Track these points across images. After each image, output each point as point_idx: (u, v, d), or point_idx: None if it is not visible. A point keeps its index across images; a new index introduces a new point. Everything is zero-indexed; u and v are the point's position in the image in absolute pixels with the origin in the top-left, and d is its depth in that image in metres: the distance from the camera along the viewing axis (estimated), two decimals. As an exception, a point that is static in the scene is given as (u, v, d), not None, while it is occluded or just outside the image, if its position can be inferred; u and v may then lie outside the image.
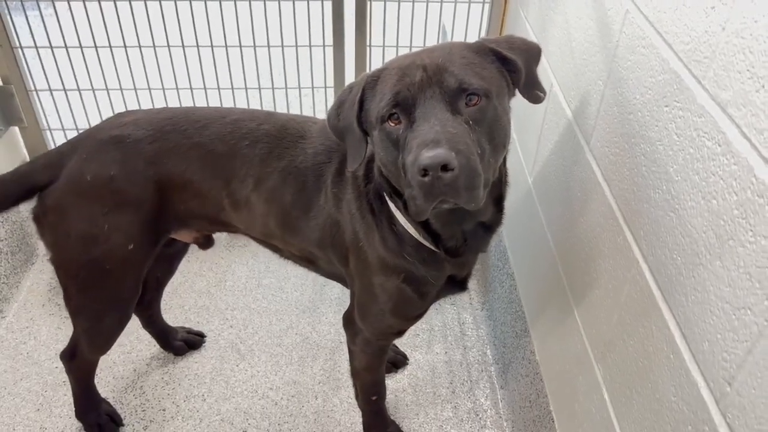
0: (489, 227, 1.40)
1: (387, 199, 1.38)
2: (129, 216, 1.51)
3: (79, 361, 1.81)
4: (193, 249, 2.57)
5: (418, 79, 1.14)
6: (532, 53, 1.28)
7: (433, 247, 1.37)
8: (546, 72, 1.72)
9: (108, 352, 1.93)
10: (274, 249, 1.71)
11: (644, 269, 1.13)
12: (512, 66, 1.23)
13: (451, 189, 1.06)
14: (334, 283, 2.49)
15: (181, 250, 1.97)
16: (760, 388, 0.80)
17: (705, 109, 0.95)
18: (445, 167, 1.03)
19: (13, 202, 1.54)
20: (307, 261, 1.69)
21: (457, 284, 1.54)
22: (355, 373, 1.83)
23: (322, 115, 1.71)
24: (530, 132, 1.90)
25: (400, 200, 1.33)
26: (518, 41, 1.28)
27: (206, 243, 1.83)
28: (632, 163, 1.19)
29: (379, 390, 1.85)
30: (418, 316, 1.60)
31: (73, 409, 1.95)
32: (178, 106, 2.01)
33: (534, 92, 1.26)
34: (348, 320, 1.70)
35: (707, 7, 0.95)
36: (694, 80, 0.98)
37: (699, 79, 0.97)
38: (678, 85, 1.03)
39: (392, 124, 1.17)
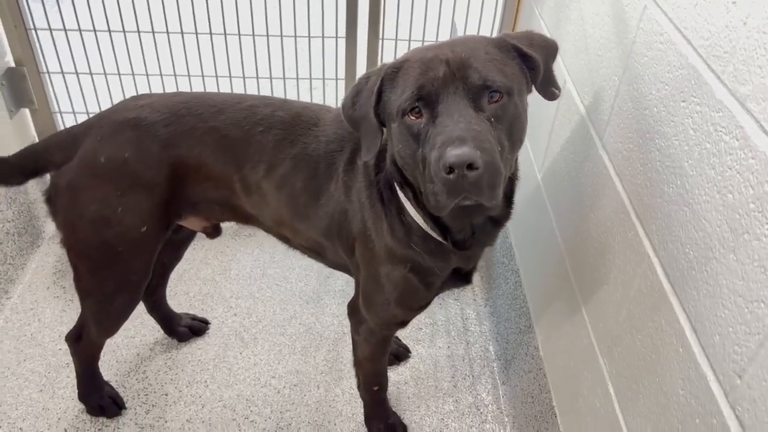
0: (498, 221, 1.40)
1: (397, 188, 1.38)
2: (143, 198, 1.51)
3: (85, 344, 1.81)
4: (200, 237, 2.58)
5: (442, 74, 1.14)
6: (551, 50, 1.29)
7: (441, 239, 1.38)
8: (560, 68, 1.73)
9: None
10: (283, 239, 1.72)
11: (655, 263, 1.14)
12: (532, 63, 1.24)
13: (475, 187, 1.08)
14: (339, 274, 2.50)
15: (188, 237, 1.98)
16: (772, 381, 0.81)
17: (723, 104, 0.95)
18: (470, 166, 1.04)
19: (23, 177, 1.56)
20: (315, 251, 1.70)
21: (462, 277, 1.55)
22: (357, 363, 1.83)
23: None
24: (541, 127, 1.90)
25: (410, 190, 1.34)
26: (538, 38, 1.29)
27: (214, 232, 1.84)
28: (646, 158, 1.20)
29: (381, 381, 1.86)
30: (422, 307, 1.61)
31: (76, 390, 1.95)
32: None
33: (550, 89, 1.27)
34: (353, 309, 1.71)
35: (728, 2, 0.95)
36: (713, 75, 0.98)
37: (718, 74, 0.97)
38: (696, 81, 1.03)
39: (413, 118, 1.17)
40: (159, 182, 1.52)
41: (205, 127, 1.51)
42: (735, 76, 0.93)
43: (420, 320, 2.34)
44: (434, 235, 1.38)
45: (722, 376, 0.92)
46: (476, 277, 2.54)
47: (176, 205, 1.59)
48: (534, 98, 1.30)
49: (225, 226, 2.48)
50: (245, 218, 1.69)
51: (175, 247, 1.99)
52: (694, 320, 1.01)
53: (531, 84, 1.27)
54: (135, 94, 1.69)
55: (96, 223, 1.51)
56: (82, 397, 1.94)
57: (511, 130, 1.18)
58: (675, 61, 1.10)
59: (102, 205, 1.50)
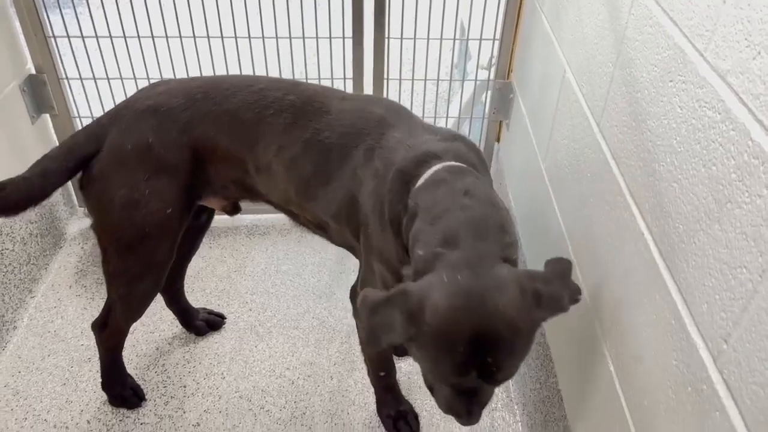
0: None
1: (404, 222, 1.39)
2: (167, 181, 1.59)
3: (111, 330, 1.88)
4: (215, 236, 2.65)
5: (464, 365, 1.16)
6: (567, 274, 1.26)
7: None
8: (560, 59, 1.76)
9: (132, 331, 2.01)
10: (291, 215, 1.78)
11: (649, 240, 1.17)
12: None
13: None
14: (351, 269, 2.55)
15: (204, 224, 2.03)
16: (754, 342, 0.84)
17: (706, 80, 0.98)
18: None
19: (67, 177, 1.62)
20: (321, 228, 1.75)
21: None
22: (362, 347, 1.87)
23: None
24: (544, 120, 1.93)
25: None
26: (557, 275, 1.24)
27: (233, 210, 1.90)
28: (639, 139, 1.23)
29: (386, 366, 1.90)
30: None
31: (98, 383, 2.03)
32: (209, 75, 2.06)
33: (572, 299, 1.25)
34: (353, 294, 1.76)
35: (709, -18, 0.99)
36: (696, 53, 1.02)
37: (701, 51, 1.01)
38: (682, 60, 1.06)
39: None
40: (181, 165, 1.59)
41: (220, 110, 1.58)
42: (716, 52, 0.96)
43: (431, 313, 2.37)
44: None
45: (710, 343, 0.95)
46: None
47: (197, 186, 1.66)
48: (537, 88, 1.33)
49: (240, 224, 2.54)
50: (258, 196, 1.76)
51: (192, 234, 2.03)
52: (684, 292, 1.04)
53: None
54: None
55: (126, 206, 1.58)
56: (105, 386, 2.01)
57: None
58: (663, 43, 1.14)
59: (131, 190, 1.57)
